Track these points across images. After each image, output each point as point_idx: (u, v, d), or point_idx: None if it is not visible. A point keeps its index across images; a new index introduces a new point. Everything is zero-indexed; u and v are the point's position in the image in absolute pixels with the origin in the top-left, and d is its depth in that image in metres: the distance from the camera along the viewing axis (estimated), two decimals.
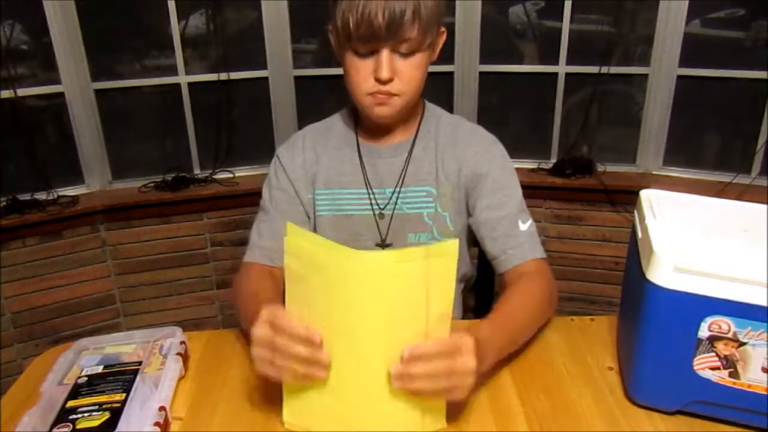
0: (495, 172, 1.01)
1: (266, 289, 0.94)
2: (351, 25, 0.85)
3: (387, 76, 0.89)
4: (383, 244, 1.05)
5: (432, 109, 1.08)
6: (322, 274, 0.66)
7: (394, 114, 0.95)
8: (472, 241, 1.08)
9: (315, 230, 1.06)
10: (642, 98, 2.27)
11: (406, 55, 0.90)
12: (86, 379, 0.81)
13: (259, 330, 0.69)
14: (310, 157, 1.05)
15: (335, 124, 1.08)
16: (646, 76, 2.23)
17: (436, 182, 1.02)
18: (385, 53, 0.88)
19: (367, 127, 1.04)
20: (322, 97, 2.42)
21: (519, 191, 1.03)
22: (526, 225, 0.99)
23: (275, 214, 1.04)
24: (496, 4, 2.31)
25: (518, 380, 0.82)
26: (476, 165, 1.01)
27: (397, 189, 1.03)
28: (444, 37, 0.96)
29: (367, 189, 1.03)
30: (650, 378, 0.74)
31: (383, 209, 1.03)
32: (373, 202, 1.03)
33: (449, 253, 0.65)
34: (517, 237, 0.98)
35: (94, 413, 0.74)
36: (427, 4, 0.86)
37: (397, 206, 1.03)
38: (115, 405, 0.76)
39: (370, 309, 0.66)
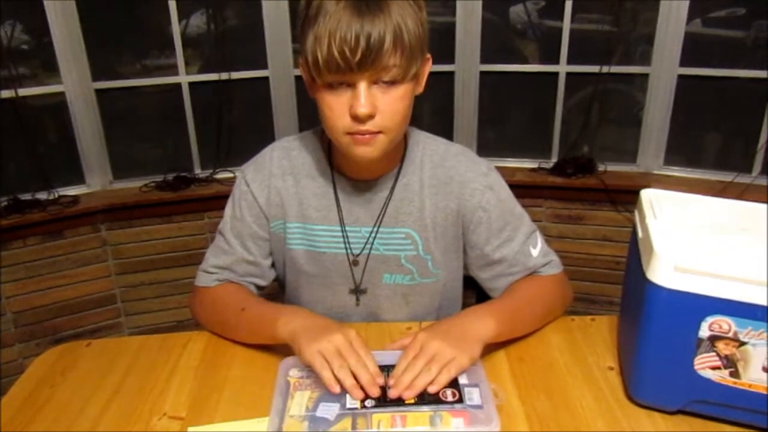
0: (499, 207, 0.95)
1: (255, 297, 0.97)
2: (321, 56, 0.74)
3: (365, 111, 0.77)
4: (357, 290, 0.99)
5: (415, 135, 0.97)
6: None
7: (378, 154, 0.83)
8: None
9: (284, 263, 1.00)
10: (643, 98, 2.26)
11: (388, 86, 0.78)
12: None
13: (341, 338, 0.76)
14: (279, 187, 0.95)
15: (307, 148, 0.97)
16: (646, 75, 2.23)
17: (418, 224, 0.95)
18: (362, 86, 0.76)
19: (344, 156, 0.91)
20: None
21: (522, 213, 0.99)
22: (537, 249, 0.98)
23: (235, 246, 0.98)
24: (497, 4, 2.30)
25: (519, 380, 0.82)
26: (477, 203, 0.94)
27: (375, 229, 0.95)
28: (430, 64, 0.86)
29: (341, 227, 0.95)
30: (651, 377, 0.74)
31: (357, 255, 0.96)
32: (347, 242, 0.96)
33: None
34: (534, 266, 0.98)
35: None
36: (409, 29, 0.76)
37: (373, 247, 0.96)
38: None
39: None
